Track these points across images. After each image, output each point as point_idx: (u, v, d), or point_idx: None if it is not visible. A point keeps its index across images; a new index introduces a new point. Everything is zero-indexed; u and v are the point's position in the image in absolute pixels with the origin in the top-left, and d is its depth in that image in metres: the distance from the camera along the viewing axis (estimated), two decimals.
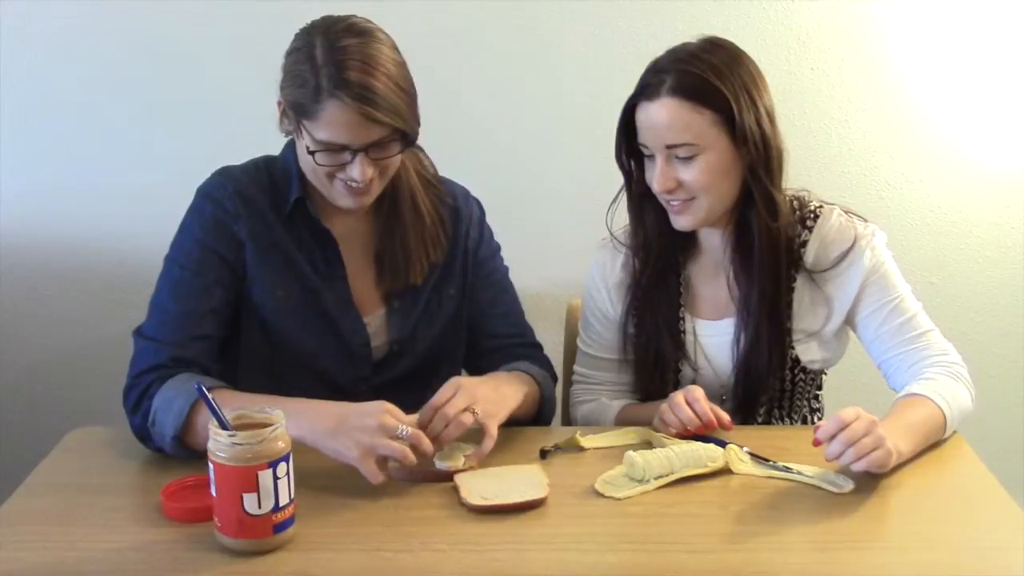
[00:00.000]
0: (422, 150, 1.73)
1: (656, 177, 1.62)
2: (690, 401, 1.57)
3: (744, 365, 1.72)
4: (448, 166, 1.79)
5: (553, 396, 1.77)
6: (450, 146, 1.79)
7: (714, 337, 1.76)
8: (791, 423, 1.81)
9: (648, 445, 1.57)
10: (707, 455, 1.49)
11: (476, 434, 1.53)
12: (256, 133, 1.67)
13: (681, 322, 1.76)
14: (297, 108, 1.52)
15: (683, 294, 1.77)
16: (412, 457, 1.40)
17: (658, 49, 1.66)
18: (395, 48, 1.55)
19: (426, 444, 1.42)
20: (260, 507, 1.27)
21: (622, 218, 1.78)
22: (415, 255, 1.70)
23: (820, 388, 1.86)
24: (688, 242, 1.77)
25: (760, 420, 1.77)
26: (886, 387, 1.71)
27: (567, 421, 1.93)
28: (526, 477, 1.45)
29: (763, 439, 1.58)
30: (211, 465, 1.28)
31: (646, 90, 1.62)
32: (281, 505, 1.28)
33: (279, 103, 1.57)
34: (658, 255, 1.75)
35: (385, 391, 1.55)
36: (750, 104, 1.59)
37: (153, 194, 2.28)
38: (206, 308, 1.61)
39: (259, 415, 1.31)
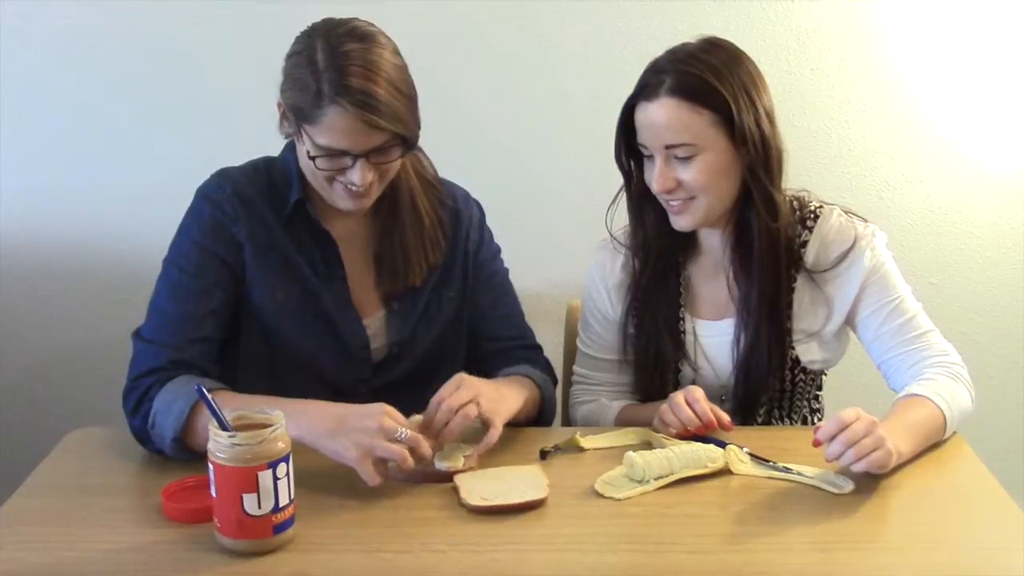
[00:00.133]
0: (422, 151, 1.73)
1: (655, 177, 1.63)
2: (690, 401, 1.57)
3: (744, 365, 1.72)
4: (448, 166, 1.79)
5: (553, 398, 1.77)
6: (450, 146, 1.79)
7: (714, 337, 1.76)
8: (791, 424, 1.81)
9: (648, 446, 1.57)
10: (707, 456, 1.49)
11: (476, 435, 1.53)
12: (256, 133, 1.67)
13: (681, 322, 1.76)
14: (298, 112, 1.52)
15: (683, 294, 1.77)
16: (410, 460, 1.39)
17: (658, 49, 1.66)
18: (396, 52, 1.55)
19: (425, 448, 1.42)
20: (260, 508, 1.27)
21: (621, 218, 1.78)
22: (414, 257, 1.70)
23: (820, 389, 1.86)
24: (688, 242, 1.77)
25: (760, 420, 1.77)
26: (886, 388, 1.71)
27: (567, 422, 1.93)
28: (526, 478, 1.45)
29: (763, 439, 1.58)
30: (211, 466, 1.28)
31: (645, 90, 1.62)
32: (281, 506, 1.28)
33: (279, 105, 1.57)
34: (658, 255, 1.75)
35: (384, 393, 1.55)
36: (749, 104, 1.59)
37: (153, 194, 2.28)
38: (205, 310, 1.61)
39: (259, 416, 1.31)
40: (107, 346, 1.87)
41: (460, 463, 1.48)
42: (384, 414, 1.41)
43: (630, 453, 1.47)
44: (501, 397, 1.56)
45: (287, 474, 1.29)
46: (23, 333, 2.45)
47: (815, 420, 1.85)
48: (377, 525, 1.36)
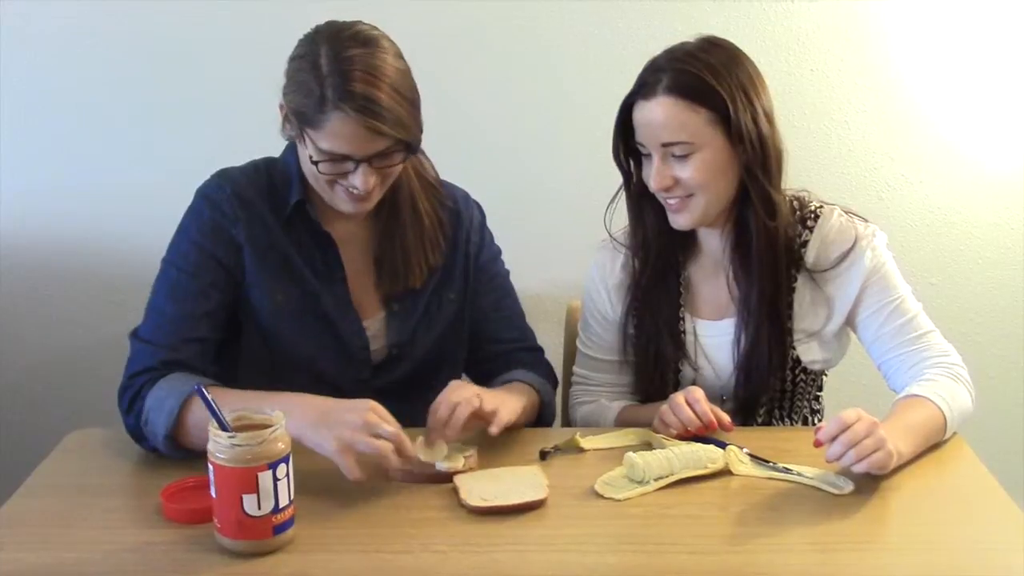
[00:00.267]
0: (423, 152, 1.73)
1: (653, 175, 1.63)
2: (690, 402, 1.57)
3: (745, 365, 1.72)
4: (448, 167, 1.79)
5: (552, 402, 1.77)
6: (450, 147, 1.79)
7: (714, 337, 1.75)
8: (791, 424, 1.81)
9: (648, 446, 1.57)
10: (707, 456, 1.49)
11: (476, 436, 1.53)
12: (256, 134, 1.67)
13: (681, 322, 1.76)
14: (300, 116, 1.51)
15: (683, 294, 1.77)
16: (393, 457, 1.39)
17: (658, 49, 1.66)
18: (400, 56, 1.54)
19: (408, 447, 1.41)
20: (260, 508, 1.27)
21: (621, 218, 1.78)
22: (414, 258, 1.70)
23: (821, 389, 1.86)
24: (688, 242, 1.77)
25: (760, 421, 1.77)
26: (886, 388, 1.71)
27: (567, 422, 1.93)
28: (526, 478, 1.45)
29: (763, 440, 1.58)
30: (211, 466, 1.28)
31: (643, 89, 1.62)
32: (281, 506, 1.28)
33: (281, 107, 1.57)
34: (658, 255, 1.75)
35: (385, 395, 1.54)
36: (747, 104, 1.59)
37: (153, 194, 2.28)
38: (201, 311, 1.61)
39: (259, 416, 1.31)
40: (107, 346, 1.87)
41: (460, 464, 1.48)
42: (369, 410, 1.41)
43: (630, 454, 1.47)
44: (501, 400, 1.56)
45: (287, 475, 1.29)
46: (23, 333, 2.45)
47: (815, 421, 1.85)
48: (377, 526, 1.36)
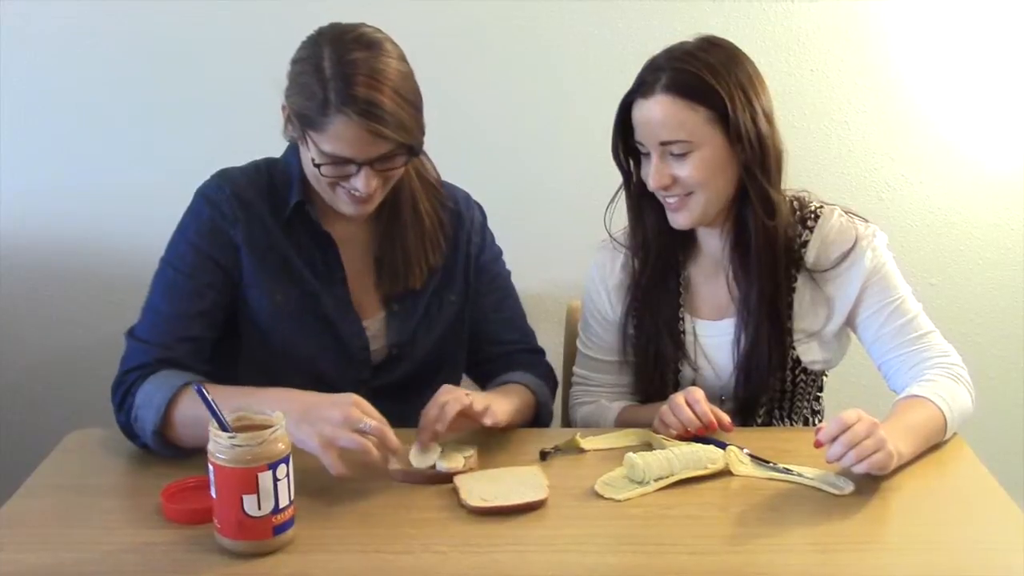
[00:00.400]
0: (424, 153, 1.73)
1: (651, 173, 1.63)
2: (690, 402, 1.57)
3: (744, 365, 1.72)
4: (448, 167, 1.79)
5: (550, 402, 1.77)
6: (450, 147, 1.79)
7: (714, 337, 1.75)
8: (791, 425, 1.81)
9: (648, 447, 1.57)
10: (707, 457, 1.49)
11: (476, 436, 1.53)
12: (256, 134, 1.67)
13: (681, 322, 1.76)
14: (303, 119, 1.51)
15: (683, 294, 1.77)
16: (375, 452, 1.39)
17: (657, 50, 1.66)
18: (403, 58, 1.54)
19: (392, 440, 1.41)
20: (260, 509, 1.27)
21: (621, 218, 1.78)
22: (415, 259, 1.70)
23: (821, 390, 1.86)
24: (687, 242, 1.77)
25: (760, 421, 1.77)
26: (887, 389, 1.71)
27: (567, 423, 1.93)
28: (526, 479, 1.45)
29: (763, 440, 1.58)
30: (211, 466, 1.28)
31: (642, 87, 1.62)
32: (281, 507, 1.28)
33: (283, 108, 1.57)
34: (657, 255, 1.75)
35: (384, 395, 1.55)
36: (745, 103, 1.59)
37: (153, 195, 2.28)
38: (196, 310, 1.61)
39: (259, 417, 1.31)
40: (107, 346, 1.86)
41: (460, 464, 1.48)
42: (351, 404, 1.41)
43: (630, 454, 1.47)
44: (492, 399, 1.57)
45: (287, 475, 1.29)
46: (23, 333, 2.45)
47: (816, 422, 1.85)
48: (377, 526, 1.36)
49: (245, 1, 2.27)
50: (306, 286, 1.66)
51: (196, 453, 1.42)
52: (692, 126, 1.59)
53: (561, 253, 2.36)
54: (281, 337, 1.66)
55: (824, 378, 1.86)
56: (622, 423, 1.74)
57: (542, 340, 1.87)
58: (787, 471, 1.48)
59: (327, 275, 1.67)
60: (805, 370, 1.75)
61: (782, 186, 1.68)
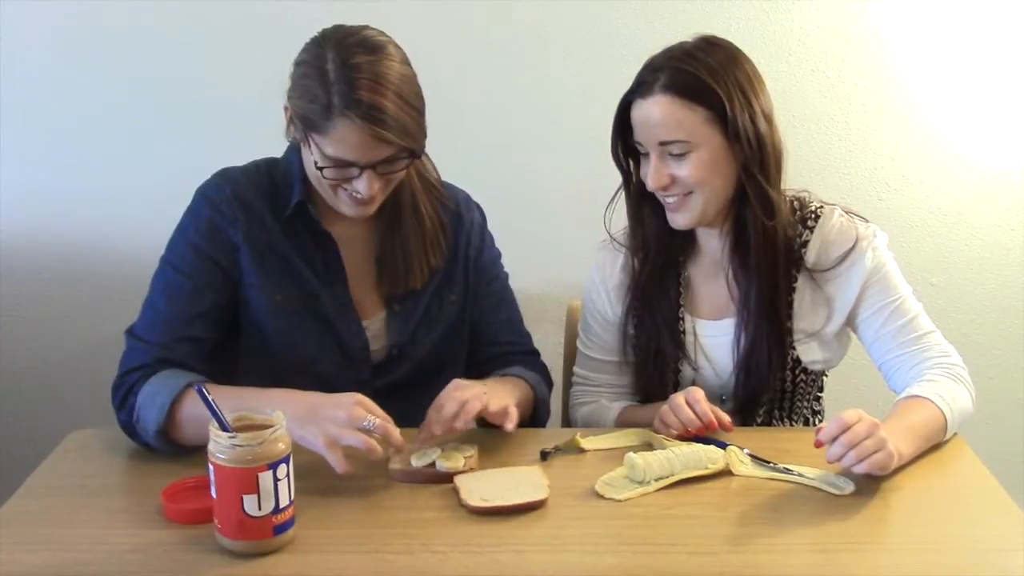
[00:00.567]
0: (425, 153, 1.73)
1: (650, 173, 1.63)
2: (690, 402, 1.57)
3: (745, 365, 1.72)
4: (448, 167, 1.79)
5: (547, 401, 1.77)
6: (450, 147, 1.79)
7: (715, 337, 1.75)
8: (791, 425, 1.81)
9: (648, 447, 1.57)
10: (707, 457, 1.48)
11: (476, 436, 1.53)
12: (256, 135, 1.67)
13: (681, 322, 1.76)
14: (306, 121, 1.52)
15: (683, 294, 1.77)
16: (379, 449, 1.40)
17: (658, 50, 1.65)
18: (406, 62, 1.55)
19: (396, 437, 1.42)
20: (260, 509, 1.27)
21: (620, 218, 1.78)
22: (415, 259, 1.70)
23: (821, 390, 1.86)
24: (687, 242, 1.77)
25: (760, 421, 1.77)
26: (887, 389, 1.71)
27: (567, 423, 1.93)
28: (526, 478, 1.45)
29: (764, 441, 1.58)
30: (211, 466, 1.28)
31: (641, 87, 1.62)
32: (281, 507, 1.28)
33: (286, 109, 1.57)
34: (657, 254, 1.75)
35: (385, 395, 1.55)
36: (744, 103, 1.59)
37: (153, 195, 2.28)
38: (195, 311, 1.62)
39: (259, 417, 1.31)
40: (107, 347, 1.86)
41: (461, 464, 1.48)
42: (355, 404, 1.42)
43: (631, 454, 1.47)
44: (502, 395, 1.57)
45: (287, 475, 1.29)
46: (23, 334, 2.45)
47: (816, 422, 1.85)
48: (377, 526, 1.36)
49: (246, 1, 2.27)
50: (306, 286, 1.66)
51: (197, 452, 1.42)
52: (690, 126, 1.59)
53: (561, 253, 2.36)
54: (281, 337, 1.66)
55: (824, 378, 1.86)
56: (622, 423, 1.74)
57: (542, 340, 1.87)
58: (787, 471, 1.48)
59: (327, 275, 1.67)
60: (805, 370, 1.75)
61: (782, 186, 1.68)
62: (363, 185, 1.53)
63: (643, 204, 1.73)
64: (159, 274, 1.65)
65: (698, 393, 1.58)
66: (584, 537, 1.34)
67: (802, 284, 1.72)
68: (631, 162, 1.71)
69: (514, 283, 1.86)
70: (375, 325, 1.71)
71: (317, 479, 1.43)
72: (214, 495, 1.29)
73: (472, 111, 2.34)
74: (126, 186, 2.37)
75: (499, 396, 1.56)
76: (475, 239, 1.78)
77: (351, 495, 1.42)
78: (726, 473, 1.49)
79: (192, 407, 1.48)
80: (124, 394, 1.57)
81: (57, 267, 2.42)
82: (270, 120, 1.62)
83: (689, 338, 1.76)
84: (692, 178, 1.61)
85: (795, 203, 1.73)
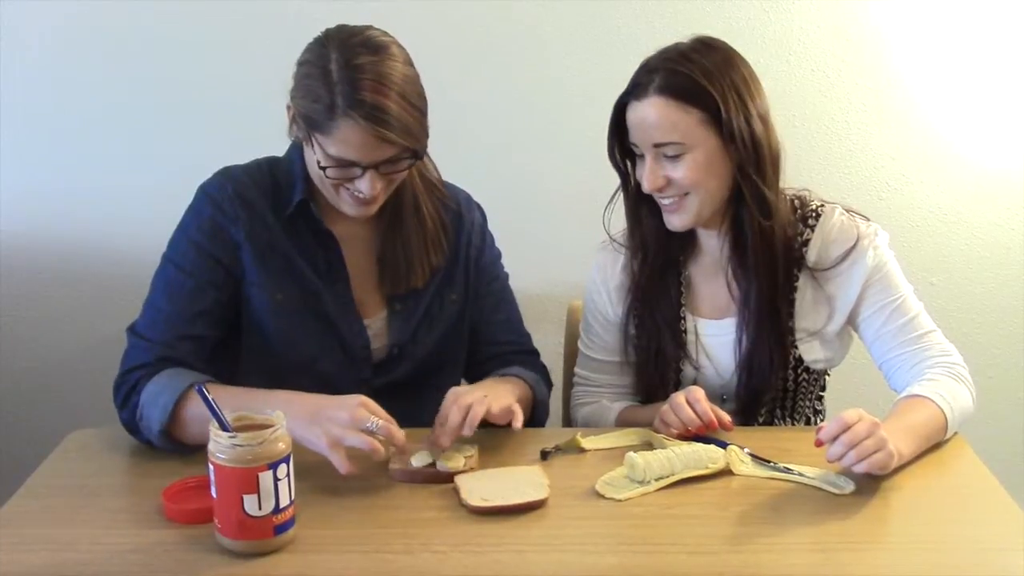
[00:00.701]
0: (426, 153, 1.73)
1: (645, 175, 1.63)
2: (691, 401, 1.57)
3: (746, 364, 1.72)
4: (449, 167, 1.79)
5: (546, 400, 1.77)
6: (451, 147, 1.79)
7: (716, 337, 1.75)
8: (793, 424, 1.81)
9: (649, 446, 1.57)
10: (708, 456, 1.48)
11: (476, 436, 1.53)
12: (257, 135, 1.67)
13: (682, 321, 1.76)
14: (309, 121, 1.52)
15: (684, 293, 1.77)
16: (381, 450, 1.40)
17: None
18: (409, 62, 1.55)
19: (399, 438, 1.43)
20: (260, 508, 1.27)
21: (620, 218, 1.78)
22: (417, 258, 1.70)
23: (823, 390, 1.86)
24: (687, 241, 1.77)
25: (761, 421, 1.77)
26: (888, 389, 1.71)
27: (568, 423, 1.93)
28: (526, 478, 1.45)
29: (764, 440, 1.58)
30: (211, 466, 1.28)
31: (635, 89, 1.62)
32: (281, 507, 1.28)
33: (288, 108, 1.57)
34: (656, 254, 1.75)
35: (386, 394, 1.55)
36: (739, 105, 1.59)
37: (153, 195, 2.28)
38: (197, 309, 1.62)
39: (259, 416, 1.31)
40: (107, 346, 1.87)
41: (461, 463, 1.48)
42: (358, 405, 1.43)
43: (631, 454, 1.47)
44: (504, 397, 1.57)
45: (287, 475, 1.29)
46: (23, 334, 2.45)
47: (817, 421, 1.85)
48: (378, 526, 1.36)
49: (247, 1, 2.27)
50: (307, 285, 1.66)
51: (197, 452, 1.42)
52: (685, 128, 1.59)
53: (561, 253, 2.36)
54: (282, 336, 1.66)
55: (826, 377, 1.86)
56: (623, 423, 1.74)
57: (542, 340, 1.87)
58: (788, 471, 1.48)
59: (329, 274, 1.67)
60: (807, 369, 1.74)
61: (782, 186, 1.68)
62: (365, 185, 1.54)
63: (641, 205, 1.73)
64: (160, 272, 1.66)
65: (698, 392, 1.58)
66: (584, 537, 1.34)
67: (803, 283, 1.72)
68: (628, 163, 1.71)
69: (514, 283, 1.86)
70: (376, 324, 1.71)
71: (317, 479, 1.43)
72: (214, 495, 1.29)
73: (472, 111, 2.34)
74: (126, 186, 2.37)
75: (500, 396, 1.56)
76: (476, 239, 1.78)
77: (351, 495, 1.42)
78: (726, 473, 1.49)
79: (196, 407, 1.48)
80: (126, 393, 1.57)
81: (57, 267, 2.42)
82: (270, 120, 1.62)
83: (690, 337, 1.76)
84: (687, 180, 1.61)
85: (795, 202, 1.73)
